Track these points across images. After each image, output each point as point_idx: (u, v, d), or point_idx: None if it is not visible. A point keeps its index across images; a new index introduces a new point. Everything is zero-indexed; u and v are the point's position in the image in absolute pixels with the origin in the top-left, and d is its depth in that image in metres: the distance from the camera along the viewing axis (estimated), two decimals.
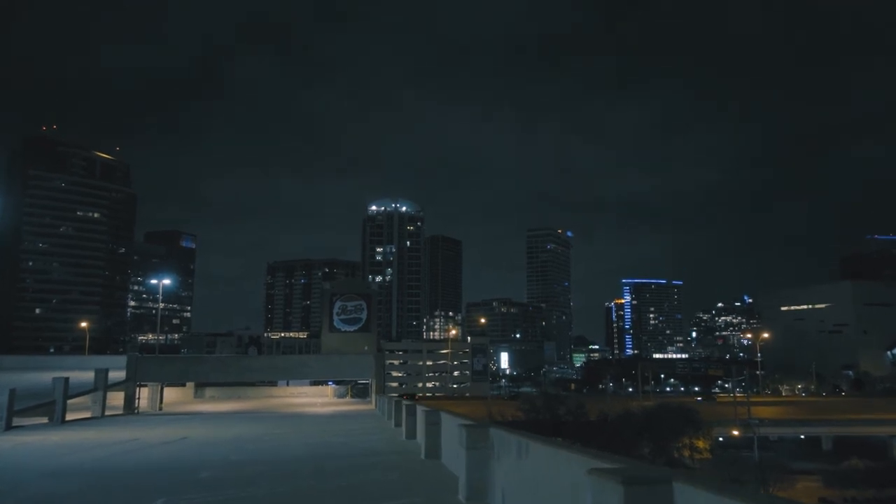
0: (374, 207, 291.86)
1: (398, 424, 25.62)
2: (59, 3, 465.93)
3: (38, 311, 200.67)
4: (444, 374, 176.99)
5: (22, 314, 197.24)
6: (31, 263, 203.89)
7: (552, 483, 6.98)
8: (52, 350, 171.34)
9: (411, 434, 21.87)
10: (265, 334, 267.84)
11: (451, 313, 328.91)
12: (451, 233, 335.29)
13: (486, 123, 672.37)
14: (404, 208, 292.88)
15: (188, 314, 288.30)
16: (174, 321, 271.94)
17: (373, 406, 49.09)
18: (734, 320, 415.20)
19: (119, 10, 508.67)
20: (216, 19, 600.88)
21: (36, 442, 23.90)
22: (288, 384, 64.92)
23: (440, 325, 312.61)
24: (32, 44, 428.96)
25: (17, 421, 29.51)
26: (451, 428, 14.47)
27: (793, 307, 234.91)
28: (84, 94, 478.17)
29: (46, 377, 35.40)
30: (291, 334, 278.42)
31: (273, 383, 67.43)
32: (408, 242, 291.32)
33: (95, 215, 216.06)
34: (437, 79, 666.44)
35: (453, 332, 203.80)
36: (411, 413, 22.07)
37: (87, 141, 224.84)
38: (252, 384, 62.63)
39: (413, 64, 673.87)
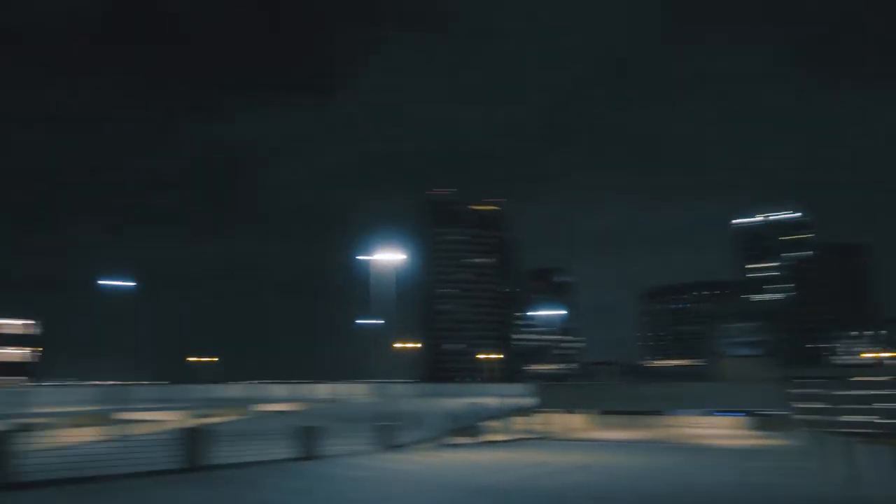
0: (750, 219, 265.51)
1: (833, 467, 21.47)
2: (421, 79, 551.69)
3: (448, 346, 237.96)
4: (869, 406, 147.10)
5: (438, 349, 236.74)
6: (442, 307, 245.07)
7: None
8: (466, 379, 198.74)
9: (856, 479, 18.01)
10: (643, 362, 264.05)
11: (865, 332, 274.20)
12: (848, 238, 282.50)
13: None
14: (788, 215, 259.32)
15: (572, 344, 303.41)
16: (554, 352, 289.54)
17: (785, 441, 43.04)
18: None
19: (471, 71, 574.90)
20: (566, 61, 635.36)
21: (463, 459, 26.91)
22: (680, 413, 61.66)
23: (846, 347, 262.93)
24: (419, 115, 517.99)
25: (449, 440, 34.19)
26: None
27: None
28: (465, 156, 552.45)
29: (463, 402, 40.47)
30: (672, 361, 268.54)
31: (659, 412, 64.84)
32: (796, 254, 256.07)
33: (487, 261, 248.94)
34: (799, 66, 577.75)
35: (887, 354, 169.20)
36: (855, 453, 18.23)
37: (475, 196, 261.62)
38: (643, 413, 61.27)
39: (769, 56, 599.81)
